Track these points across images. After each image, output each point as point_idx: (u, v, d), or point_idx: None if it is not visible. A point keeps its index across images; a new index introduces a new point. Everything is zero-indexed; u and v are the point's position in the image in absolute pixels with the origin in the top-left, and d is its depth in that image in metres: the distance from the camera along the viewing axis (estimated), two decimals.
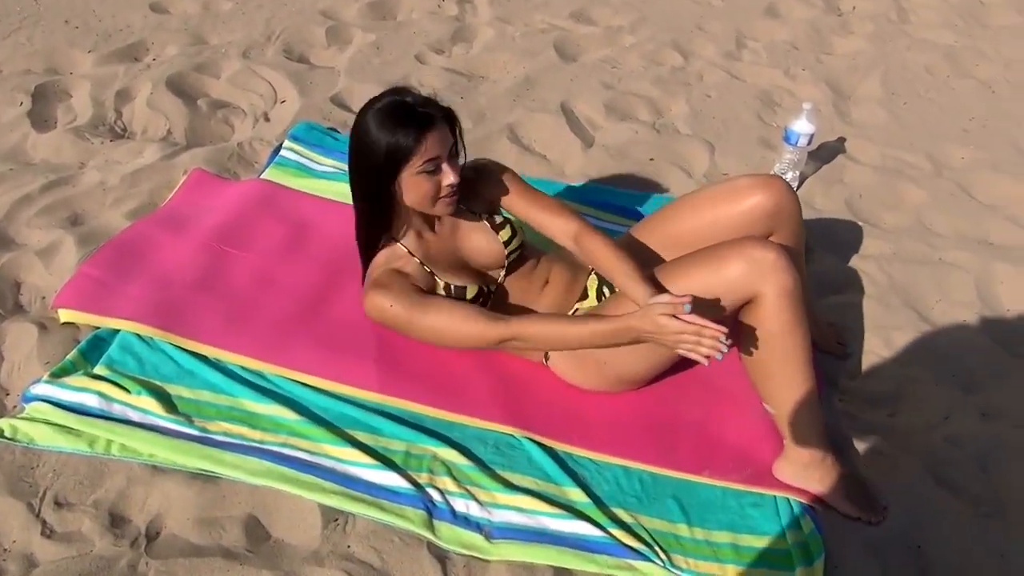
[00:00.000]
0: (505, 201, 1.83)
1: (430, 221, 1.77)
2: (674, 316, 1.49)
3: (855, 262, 2.37)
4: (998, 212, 2.66)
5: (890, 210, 2.64)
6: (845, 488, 1.67)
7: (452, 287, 1.74)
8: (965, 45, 3.84)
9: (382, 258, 1.76)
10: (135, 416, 1.66)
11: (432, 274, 1.74)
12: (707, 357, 1.50)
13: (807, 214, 2.52)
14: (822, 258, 2.37)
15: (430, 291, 1.74)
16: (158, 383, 1.74)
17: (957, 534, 1.66)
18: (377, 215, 1.72)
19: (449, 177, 1.63)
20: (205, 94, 2.83)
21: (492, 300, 1.80)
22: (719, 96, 3.17)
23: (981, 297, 2.27)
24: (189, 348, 1.82)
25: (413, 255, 1.74)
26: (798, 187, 2.67)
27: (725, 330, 1.48)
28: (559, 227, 1.80)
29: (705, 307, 1.56)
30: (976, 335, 2.16)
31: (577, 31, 3.58)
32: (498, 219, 1.80)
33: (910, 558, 1.61)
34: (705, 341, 1.48)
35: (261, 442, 1.65)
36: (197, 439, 1.64)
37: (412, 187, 1.63)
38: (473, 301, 1.75)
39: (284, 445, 1.65)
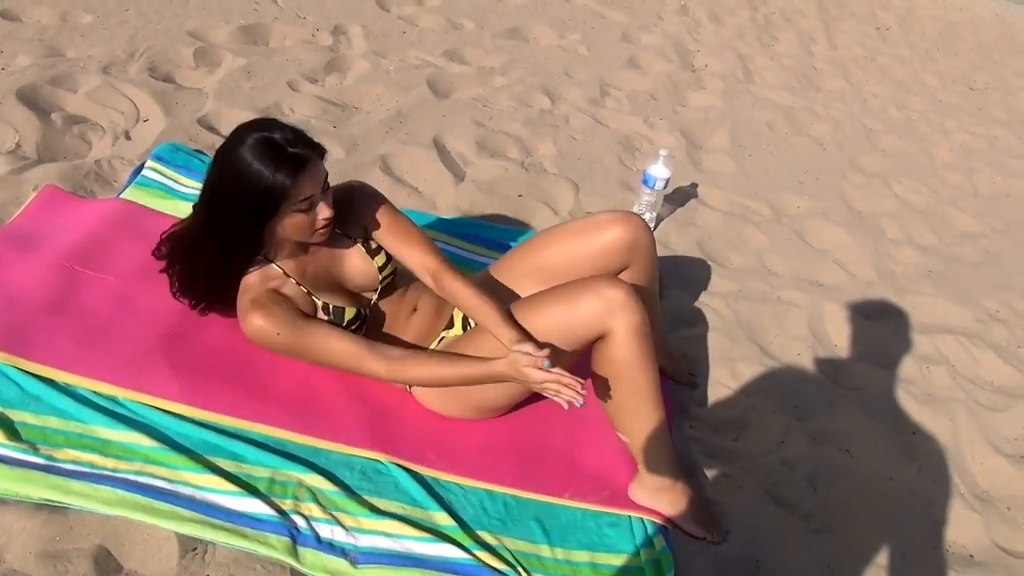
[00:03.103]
0: (374, 226, 1.82)
1: (305, 244, 1.76)
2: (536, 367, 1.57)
3: (705, 298, 2.54)
4: (827, 256, 2.95)
5: (736, 251, 2.86)
6: (692, 511, 1.77)
7: (331, 307, 1.74)
8: (801, 106, 4.24)
9: (255, 278, 1.73)
10: None
11: (310, 295, 1.74)
12: (568, 402, 1.58)
13: (663, 253, 2.70)
14: (675, 294, 2.53)
15: (311, 313, 1.74)
16: None
17: (791, 549, 1.80)
18: (245, 248, 1.70)
19: (324, 212, 1.64)
20: (60, 108, 2.69)
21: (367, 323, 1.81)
22: (584, 139, 3.34)
23: (813, 333, 2.50)
24: (35, 372, 1.70)
25: (289, 276, 1.73)
26: (655, 228, 2.85)
27: (582, 381, 1.58)
28: (419, 262, 1.81)
29: (561, 342, 1.67)
30: (809, 367, 2.37)
31: (450, 69, 3.68)
32: (373, 244, 1.82)
33: (751, 572, 1.74)
34: (564, 391, 1.56)
35: (114, 470, 1.57)
36: (42, 467, 1.54)
37: (288, 224, 1.63)
38: (352, 322, 1.76)
39: (140, 473, 1.57)
